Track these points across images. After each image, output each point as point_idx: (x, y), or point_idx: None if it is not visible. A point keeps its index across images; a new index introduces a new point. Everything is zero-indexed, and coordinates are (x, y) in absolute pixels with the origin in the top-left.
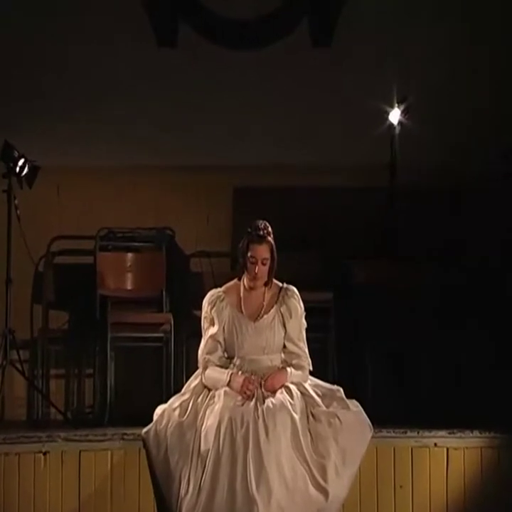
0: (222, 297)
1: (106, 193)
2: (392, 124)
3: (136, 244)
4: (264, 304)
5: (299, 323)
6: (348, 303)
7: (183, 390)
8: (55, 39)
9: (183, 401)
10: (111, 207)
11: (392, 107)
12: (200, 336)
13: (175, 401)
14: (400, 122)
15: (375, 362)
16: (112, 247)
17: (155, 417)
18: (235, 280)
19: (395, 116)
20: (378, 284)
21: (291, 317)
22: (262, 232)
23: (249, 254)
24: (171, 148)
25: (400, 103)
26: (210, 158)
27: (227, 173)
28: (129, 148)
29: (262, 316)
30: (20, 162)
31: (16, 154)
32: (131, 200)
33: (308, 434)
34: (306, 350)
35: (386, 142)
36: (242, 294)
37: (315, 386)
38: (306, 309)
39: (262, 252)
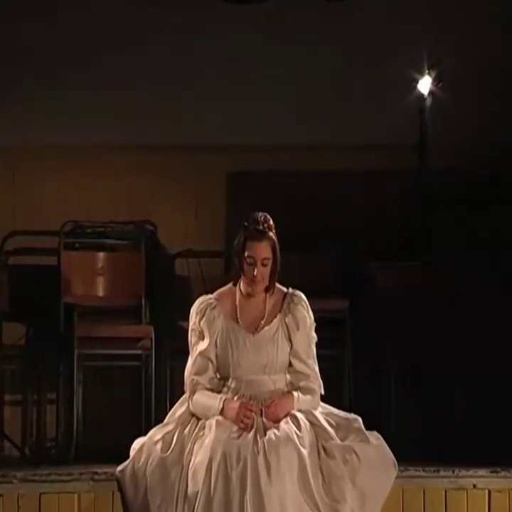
0: (213, 305)
1: (72, 179)
2: (421, 95)
3: (109, 241)
4: (265, 313)
5: (307, 336)
6: (368, 313)
7: (166, 420)
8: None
9: (167, 433)
10: (78, 196)
11: (422, 73)
12: (187, 353)
13: (156, 433)
14: (431, 92)
15: (401, 385)
16: (80, 244)
17: (132, 452)
18: (230, 285)
19: (425, 85)
20: (405, 290)
21: (298, 329)
22: (261, 227)
23: (246, 254)
24: (151, 123)
25: (431, 69)
26: (200, 136)
27: (220, 154)
28: (99, 125)
29: (263, 328)
30: None
31: None
32: (103, 187)
33: (320, 472)
34: (317, 370)
35: (415, 117)
36: (238, 302)
37: (327, 414)
38: (316, 320)
39: (262, 250)
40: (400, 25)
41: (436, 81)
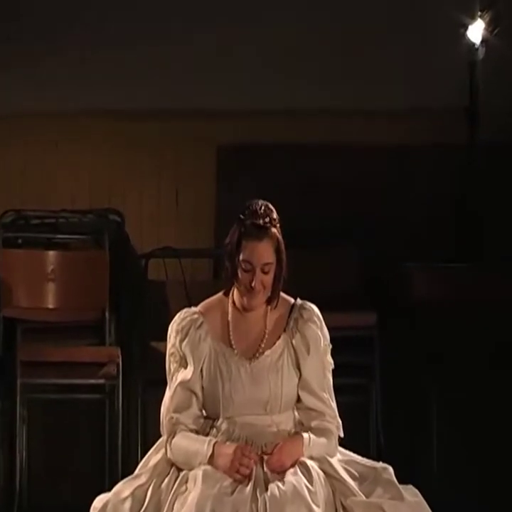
0: (199, 322)
1: (13, 156)
2: (472, 45)
3: (61, 236)
4: (266, 332)
5: (320, 362)
6: (403, 330)
7: (137, 470)
8: None
9: (138, 487)
10: (20, 176)
11: (473, 18)
12: (165, 383)
13: (124, 488)
14: (483, 41)
15: (445, 426)
16: (24, 240)
17: None
18: (220, 294)
19: (476, 32)
20: (451, 301)
21: (308, 353)
22: (262, 221)
23: (241, 257)
24: (118, 85)
25: (484, 12)
26: (182, 99)
27: (210, 121)
28: (50, 87)
29: (263, 353)
30: None
31: None
32: (54, 165)
33: None
34: (334, 406)
35: (463, 74)
36: (230, 318)
37: (347, 463)
38: (333, 340)
39: (262, 253)
40: None
41: (490, 26)
